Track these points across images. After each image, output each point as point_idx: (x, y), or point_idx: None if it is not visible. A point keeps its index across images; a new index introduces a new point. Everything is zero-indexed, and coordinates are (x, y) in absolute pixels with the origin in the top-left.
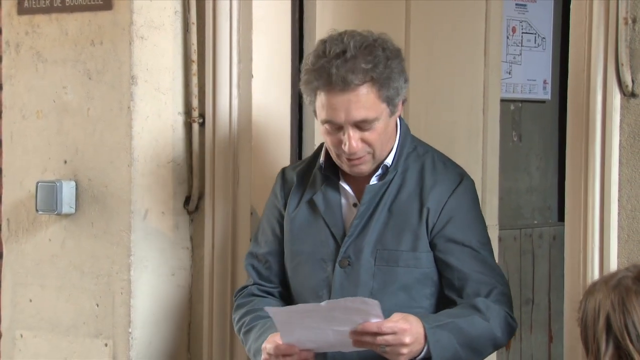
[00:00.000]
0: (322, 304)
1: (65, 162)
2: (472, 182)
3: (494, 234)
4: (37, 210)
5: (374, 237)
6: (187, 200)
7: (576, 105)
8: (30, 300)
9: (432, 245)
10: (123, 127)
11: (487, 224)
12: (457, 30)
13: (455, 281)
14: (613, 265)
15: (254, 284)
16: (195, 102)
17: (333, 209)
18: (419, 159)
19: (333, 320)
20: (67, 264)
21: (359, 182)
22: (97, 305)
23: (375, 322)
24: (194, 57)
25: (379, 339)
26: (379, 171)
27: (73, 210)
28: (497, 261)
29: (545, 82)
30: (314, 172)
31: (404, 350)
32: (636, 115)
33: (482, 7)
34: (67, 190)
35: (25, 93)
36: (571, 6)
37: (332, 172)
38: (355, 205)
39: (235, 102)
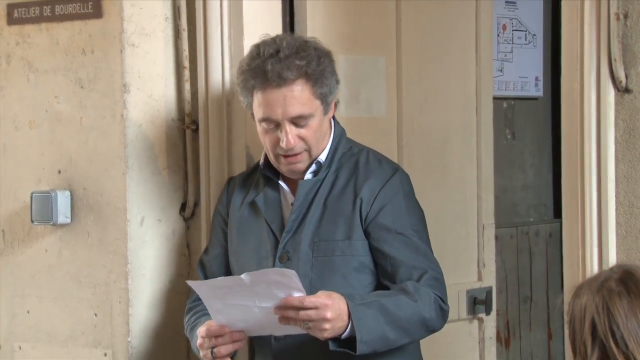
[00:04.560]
0: (242, 276)
1: (60, 171)
2: (407, 175)
3: (490, 232)
4: (32, 221)
5: (311, 230)
6: (182, 207)
7: (570, 102)
8: (28, 312)
9: (367, 234)
10: (117, 135)
11: (483, 222)
12: (448, 29)
13: (388, 267)
14: (612, 261)
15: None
16: (188, 108)
17: (273, 207)
18: (353, 156)
19: (256, 295)
20: (64, 274)
21: (296, 182)
22: (95, 315)
23: (297, 296)
24: (186, 63)
25: (302, 313)
26: (313, 167)
27: (69, 220)
28: (493, 259)
29: (537, 79)
30: (256, 174)
31: (327, 326)
32: (631, 111)
33: (472, 5)
34: (62, 200)
35: (17, 104)
36: (562, 3)
37: (271, 173)
38: (293, 204)
39: (228, 108)
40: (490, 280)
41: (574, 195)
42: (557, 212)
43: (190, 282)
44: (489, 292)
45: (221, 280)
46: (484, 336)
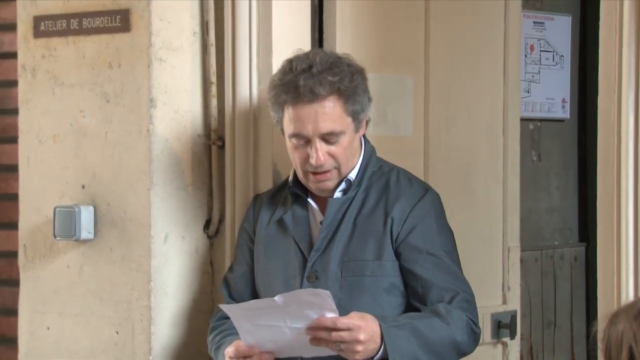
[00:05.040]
0: (276, 297)
1: (83, 186)
2: (438, 196)
3: (515, 255)
4: (55, 236)
5: (340, 249)
6: (207, 224)
7: (606, 123)
8: (48, 328)
9: (397, 255)
10: (142, 150)
11: (508, 245)
12: (476, 49)
13: (419, 289)
14: None
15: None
16: (214, 124)
17: (301, 225)
18: (384, 175)
19: (287, 315)
20: (86, 290)
21: (325, 200)
22: (117, 333)
23: (330, 316)
24: (213, 78)
25: (334, 334)
26: (343, 185)
27: (92, 236)
28: (518, 283)
29: (564, 100)
30: (284, 192)
31: (359, 348)
32: None
33: (500, 25)
34: (86, 216)
35: (41, 117)
36: (600, 22)
37: (300, 190)
38: (322, 222)
39: (255, 124)
40: (515, 303)
41: (609, 219)
42: (582, 236)
43: (222, 306)
44: (513, 316)
45: (254, 302)
46: None
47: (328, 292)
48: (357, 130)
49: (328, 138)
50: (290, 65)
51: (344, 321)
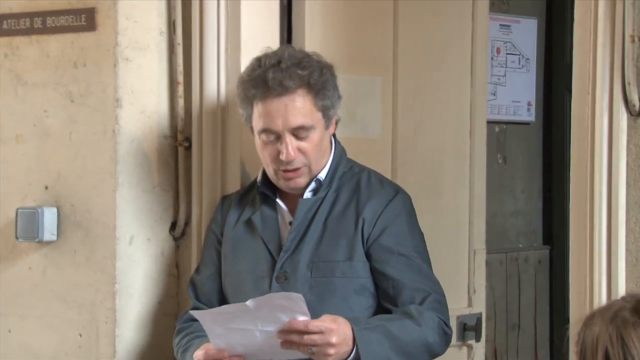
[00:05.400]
0: (247, 302)
1: (47, 187)
2: (409, 197)
3: (481, 258)
4: (17, 238)
5: (310, 250)
6: (173, 226)
7: (580, 125)
8: (10, 331)
9: (368, 256)
10: (107, 151)
11: (474, 247)
12: (445, 51)
13: (390, 290)
14: (621, 290)
15: (193, 309)
16: (181, 125)
17: (270, 226)
18: (354, 176)
19: (259, 319)
20: (49, 293)
21: (294, 201)
22: (80, 336)
23: (302, 319)
24: (180, 78)
25: (306, 337)
26: (313, 185)
27: (55, 238)
28: (484, 285)
29: (529, 103)
30: (253, 192)
31: (331, 351)
32: None
33: (468, 27)
34: (49, 217)
35: (4, 117)
36: (575, 24)
37: (268, 190)
38: (291, 223)
39: (223, 125)
40: (480, 306)
41: (582, 221)
42: (547, 239)
43: (193, 312)
44: (479, 318)
45: (225, 307)
46: None
47: (301, 295)
48: (327, 126)
49: (298, 133)
50: (258, 62)
51: (316, 324)
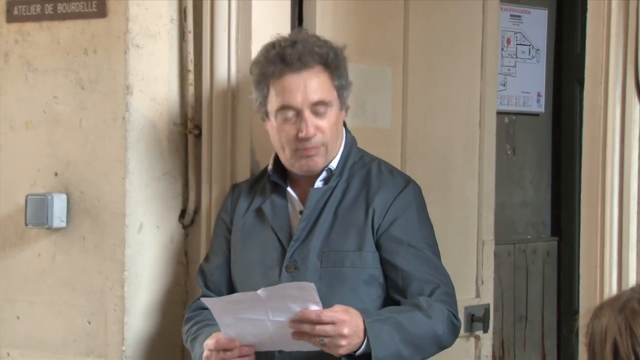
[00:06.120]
0: (259, 291)
1: (56, 174)
2: (419, 187)
3: (490, 249)
4: (26, 224)
5: (320, 239)
6: (182, 214)
7: (592, 116)
8: (18, 317)
9: (378, 246)
10: (117, 138)
11: (483, 238)
12: (455, 42)
13: (399, 281)
14: (632, 281)
15: (202, 297)
16: (191, 113)
17: (280, 215)
18: (365, 166)
19: (270, 309)
20: (57, 279)
21: (305, 190)
22: (89, 323)
23: (314, 309)
24: (190, 66)
25: (318, 328)
26: (324, 174)
27: (64, 224)
28: (492, 276)
29: (539, 94)
30: (263, 181)
31: (343, 342)
32: None
33: (479, 18)
34: (58, 204)
35: (14, 103)
36: (588, 14)
37: (279, 179)
38: (301, 212)
39: (233, 113)
40: (488, 297)
41: (593, 212)
42: (555, 231)
43: (204, 300)
44: (487, 309)
45: (237, 296)
46: (480, 354)
47: (313, 285)
48: (341, 108)
49: (317, 109)
50: (273, 45)
51: (329, 314)
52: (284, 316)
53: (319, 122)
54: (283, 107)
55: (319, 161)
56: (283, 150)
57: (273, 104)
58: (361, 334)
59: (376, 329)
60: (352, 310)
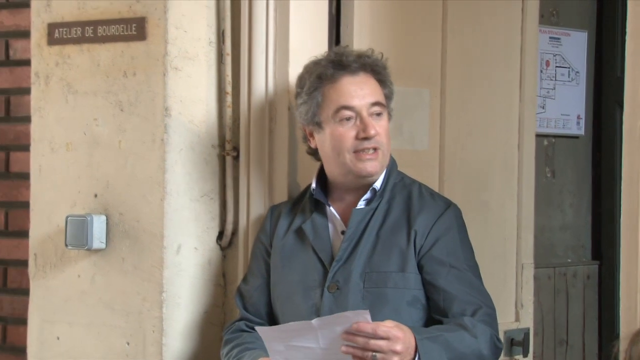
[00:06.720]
0: (312, 321)
1: (96, 195)
2: (459, 210)
3: (529, 272)
4: (66, 245)
5: (363, 260)
6: (220, 236)
7: (632, 140)
8: (58, 338)
9: (419, 268)
10: (156, 160)
11: (522, 262)
12: (493, 63)
13: (441, 302)
14: None
15: (241, 320)
16: (229, 135)
17: (321, 235)
18: (406, 188)
19: (322, 337)
20: (97, 300)
21: (346, 209)
22: (128, 344)
23: (370, 323)
24: (228, 88)
25: (372, 342)
26: (368, 194)
27: (103, 246)
28: (532, 300)
29: (579, 117)
30: (304, 201)
31: (395, 359)
32: None
33: (517, 40)
34: (98, 225)
35: (54, 125)
36: (627, 36)
37: (322, 197)
38: (343, 232)
39: (270, 135)
40: (527, 321)
41: (633, 236)
42: (596, 254)
43: (257, 328)
44: (526, 333)
45: (290, 325)
46: None
47: (367, 311)
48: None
49: (374, 110)
50: (319, 59)
51: (384, 329)
52: (334, 344)
53: (377, 124)
54: (341, 108)
55: (377, 166)
56: (338, 157)
57: (329, 108)
58: (412, 352)
59: (427, 347)
60: (405, 327)
